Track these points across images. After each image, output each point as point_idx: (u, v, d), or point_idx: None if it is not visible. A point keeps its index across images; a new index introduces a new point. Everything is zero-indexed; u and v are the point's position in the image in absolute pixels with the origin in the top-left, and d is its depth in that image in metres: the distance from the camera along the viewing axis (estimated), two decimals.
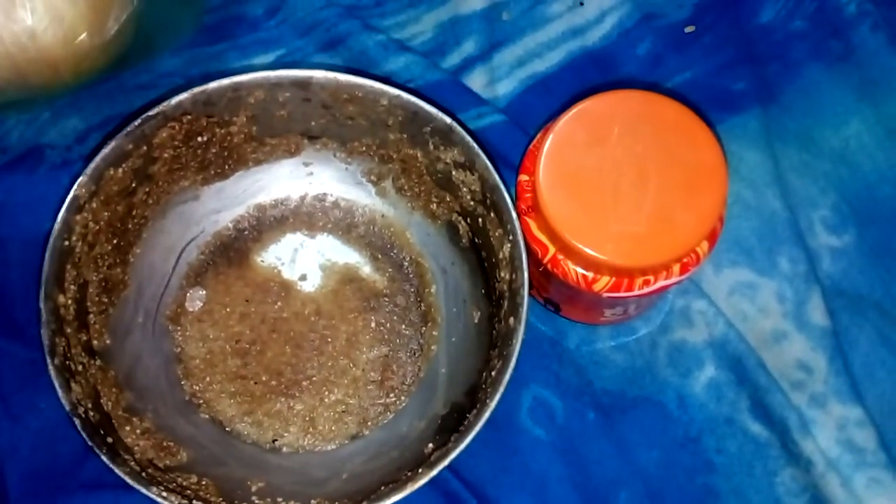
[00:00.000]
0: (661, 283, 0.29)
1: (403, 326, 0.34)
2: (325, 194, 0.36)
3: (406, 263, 0.35)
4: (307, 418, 0.33)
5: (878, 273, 0.35)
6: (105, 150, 0.30)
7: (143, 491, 0.28)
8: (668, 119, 0.29)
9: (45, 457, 0.33)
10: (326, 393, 0.33)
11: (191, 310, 0.34)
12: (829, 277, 0.35)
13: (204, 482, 0.30)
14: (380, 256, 0.35)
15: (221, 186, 0.35)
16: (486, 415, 0.28)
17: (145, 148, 0.32)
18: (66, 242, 0.30)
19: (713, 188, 0.28)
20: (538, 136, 0.30)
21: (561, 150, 0.28)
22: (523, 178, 0.30)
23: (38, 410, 0.33)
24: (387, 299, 0.35)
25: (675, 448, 0.33)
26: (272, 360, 0.34)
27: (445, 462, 0.28)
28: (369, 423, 0.33)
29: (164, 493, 0.28)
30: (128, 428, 0.30)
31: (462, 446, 0.28)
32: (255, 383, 0.33)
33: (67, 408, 0.28)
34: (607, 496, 0.33)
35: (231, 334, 0.34)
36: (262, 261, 0.35)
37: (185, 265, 0.34)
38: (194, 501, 0.28)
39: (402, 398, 0.33)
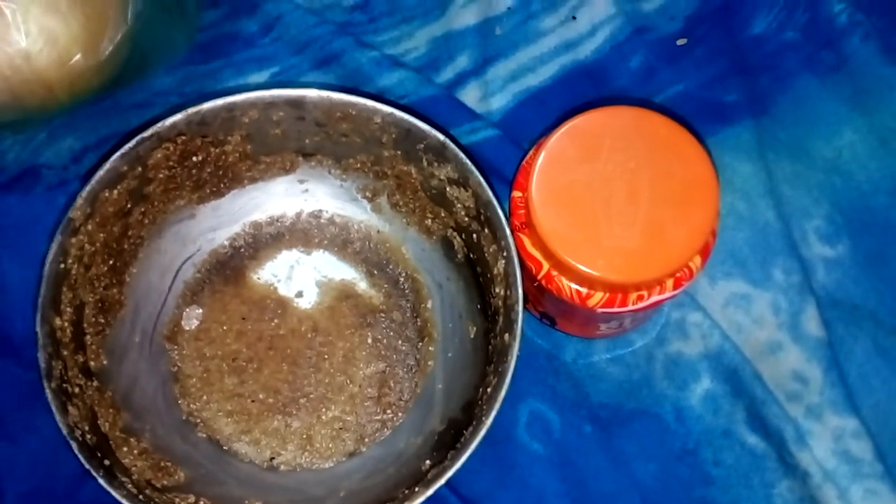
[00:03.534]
0: (655, 297, 0.29)
1: (400, 342, 0.34)
2: (320, 211, 0.36)
3: (402, 279, 0.35)
4: (305, 436, 0.33)
5: (873, 283, 0.35)
6: (100, 173, 0.31)
7: None
8: (659, 134, 0.29)
9: (43, 477, 0.33)
10: (324, 410, 0.33)
11: (187, 328, 0.34)
12: (824, 288, 0.35)
13: (201, 502, 0.30)
14: (376, 272, 0.35)
15: (217, 205, 0.35)
16: (483, 432, 0.28)
17: (140, 169, 0.32)
18: (62, 265, 0.30)
19: (705, 203, 0.28)
20: (531, 152, 0.31)
21: (553, 167, 0.29)
22: (516, 194, 0.30)
23: (35, 430, 0.33)
24: (383, 315, 0.35)
25: (672, 461, 0.33)
26: (269, 377, 0.34)
27: (442, 480, 0.28)
28: (366, 440, 0.33)
29: None
30: (125, 448, 0.30)
31: (459, 464, 0.28)
32: (253, 401, 0.33)
33: (64, 431, 0.28)
34: None
35: (228, 352, 0.34)
36: (259, 278, 0.35)
37: (182, 284, 0.35)
38: None
39: (400, 414, 0.33)
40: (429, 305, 0.35)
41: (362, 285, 0.35)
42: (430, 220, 0.34)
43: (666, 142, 0.29)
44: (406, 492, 0.29)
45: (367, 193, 0.35)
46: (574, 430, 0.33)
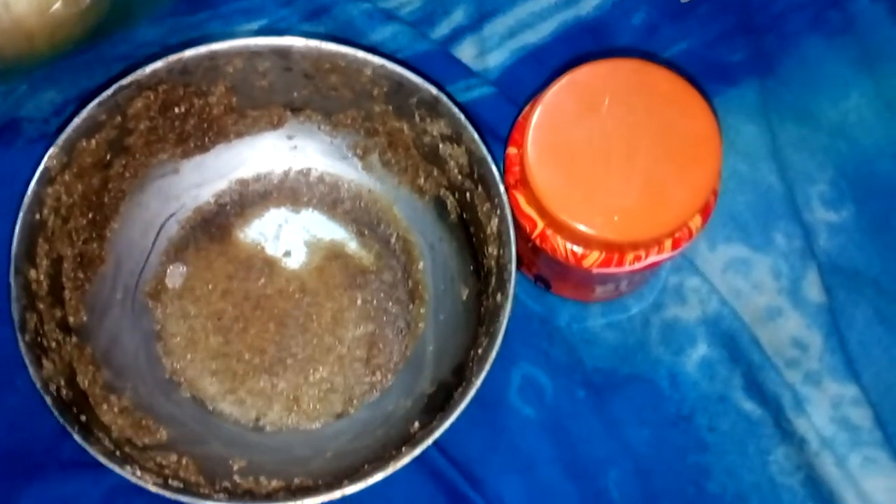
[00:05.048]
0: (653, 258, 0.28)
1: (390, 304, 0.34)
2: (309, 168, 0.35)
3: (393, 239, 0.34)
4: (291, 397, 0.32)
5: (876, 249, 0.34)
6: (77, 121, 0.30)
7: (117, 470, 0.27)
8: (660, 89, 0.28)
9: (22, 435, 0.32)
10: (311, 371, 0.33)
11: (171, 286, 0.33)
12: (826, 253, 0.34)
13: (184, 461, 0.29)
14: (366, 232, 0.34)
15: (202, 160, 0.34)
16: (472, 393, 0.28)
17: (119, 118, 0.31)
18: (37, 216, 0.29)
19: (707, 161, 0.27)
20: (527, 107, 0.30)
21: (550, 122, 0.28)
22: (511, 150, 0.29)
23: (14, 388, 0.32)
24: (373, 276, 0.34)
25: (666, 426, 0.33)
26: (255, 337, 0.33)
27: (429, 441, 0.27)
28: (355, 402, 0.32)
29: (139, 473, 0.27)
30: (105, 406, 0.30)
31: (446, 425, 0.27)
32: (238, 361, 0.33)
33: (38, 385, 0.27)
34: (597, 475, 0.32)
35: (213, 311, 0.33)
36: (245, 236, 0.34)
37: (165, 240, 0.34)
38: (172, 481, 0.27)
39: (389, 376, 0.33)
40: (420, 267, 0.34)
41: (352, 245, 0.34)
42: (422, 179, 0.33)
43: (668, 96, 0.28)
44: (394, 452, 0.28)
45: (358, 151, 0.34)
46: (567, 394, 0.33)
